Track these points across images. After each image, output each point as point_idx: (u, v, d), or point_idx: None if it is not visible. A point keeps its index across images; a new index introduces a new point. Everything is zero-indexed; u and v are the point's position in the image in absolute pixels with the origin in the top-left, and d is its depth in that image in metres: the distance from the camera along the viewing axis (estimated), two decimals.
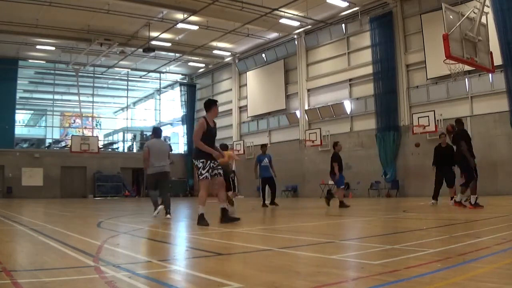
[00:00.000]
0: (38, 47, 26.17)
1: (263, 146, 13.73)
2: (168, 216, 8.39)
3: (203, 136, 6.87)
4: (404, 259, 3.52)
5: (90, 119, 36.66)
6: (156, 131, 9.39)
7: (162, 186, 8.96)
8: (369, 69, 21.37)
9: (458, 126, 10.05)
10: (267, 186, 13.04)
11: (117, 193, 30.12)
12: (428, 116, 18.42)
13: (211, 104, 7.13)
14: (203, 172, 6.82)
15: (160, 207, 8.72)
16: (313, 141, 23.21)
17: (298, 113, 25.29)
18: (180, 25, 23.02)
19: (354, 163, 21.92)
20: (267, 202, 12.89)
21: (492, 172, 16.84)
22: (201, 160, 6.85)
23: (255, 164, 13.02)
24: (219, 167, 7.03)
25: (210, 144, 6.93)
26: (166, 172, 8.90)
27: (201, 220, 6.72)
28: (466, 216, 7.73)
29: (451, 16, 11.39)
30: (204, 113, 7.30)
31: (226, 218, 7.03)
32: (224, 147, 11.66)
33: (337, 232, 6.46)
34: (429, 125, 18.32)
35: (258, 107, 28.14)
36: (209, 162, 6.85)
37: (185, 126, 33.85)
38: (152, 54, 27.06)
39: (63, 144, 34.45)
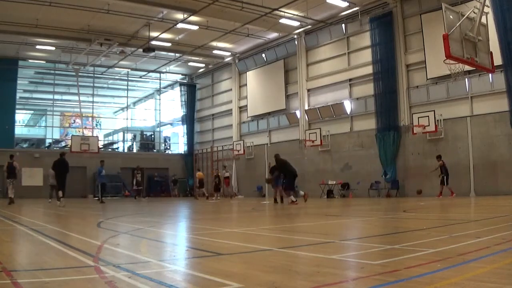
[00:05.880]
0: (38, 47, 26.16)
1: (102, 161, 20.37)
2: None
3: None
4: (404, 259, 3.52)
5: (90, 119, 36.65)
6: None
7: None
8: (369, 69, 21.35)
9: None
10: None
11: (117, 193, 30.09)
12: (428, 116, 18.40)
13: (13, 157, 17.11)
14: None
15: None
16: (313, 141, 23.20)
17: (298, 113, 25.28)
18: (180, 25, 23.01)
19: (354, 163, 21.97)
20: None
21: (492, 172, 16.84)
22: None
23: (98, 173, 20.56)
24: (14, 180, 16.36)
25: (11, 174, 16.30)
26: None
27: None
28: (466, 216, 7.73)
29: (451, 16, 11.39)
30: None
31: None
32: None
33: (337, 232, 6.46)
34: (429, 125, 18.31)
35: (258, 107, 28.12)
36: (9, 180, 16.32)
37: (185, 126, 33.81)
38: (152, 54, 27.03)
39: (63, 144, 34.44)
